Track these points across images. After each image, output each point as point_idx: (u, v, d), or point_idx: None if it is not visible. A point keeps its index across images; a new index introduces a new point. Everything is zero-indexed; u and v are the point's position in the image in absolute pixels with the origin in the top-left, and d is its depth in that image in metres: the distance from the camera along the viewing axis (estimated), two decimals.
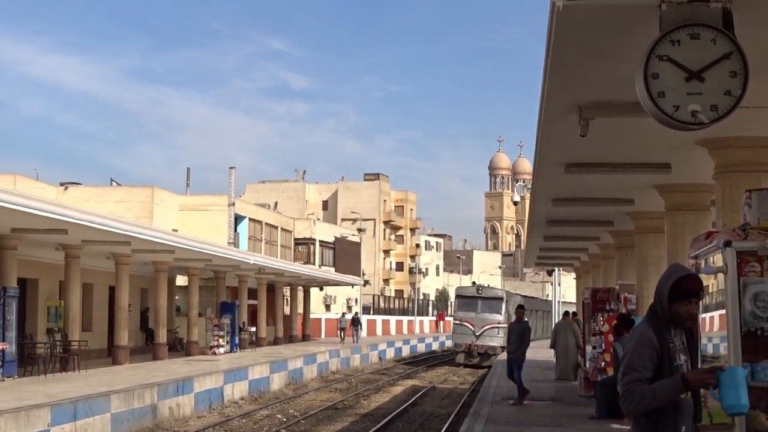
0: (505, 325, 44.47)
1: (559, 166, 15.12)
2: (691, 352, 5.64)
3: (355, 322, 60.01)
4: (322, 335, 67.31)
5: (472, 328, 50.47)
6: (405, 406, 30.93)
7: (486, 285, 67.98)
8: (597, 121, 11.27)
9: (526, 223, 30.47)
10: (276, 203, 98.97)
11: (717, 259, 7.60)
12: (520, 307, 24.71)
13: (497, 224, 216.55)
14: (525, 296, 75.75)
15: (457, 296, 54.24)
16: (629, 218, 21.45)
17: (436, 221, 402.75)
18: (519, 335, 22.80)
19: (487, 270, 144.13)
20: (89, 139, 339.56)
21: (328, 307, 78.73)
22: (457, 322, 52.06)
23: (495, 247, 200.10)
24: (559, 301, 65.03)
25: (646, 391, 5.30)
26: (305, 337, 61.33)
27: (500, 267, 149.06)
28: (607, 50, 8.83)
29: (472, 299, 51.75)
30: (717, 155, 13.32)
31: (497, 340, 50.12)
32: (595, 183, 17.34)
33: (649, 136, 10.51)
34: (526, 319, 24.21)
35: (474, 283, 70.29)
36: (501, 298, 52.79)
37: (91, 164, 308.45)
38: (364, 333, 71.04)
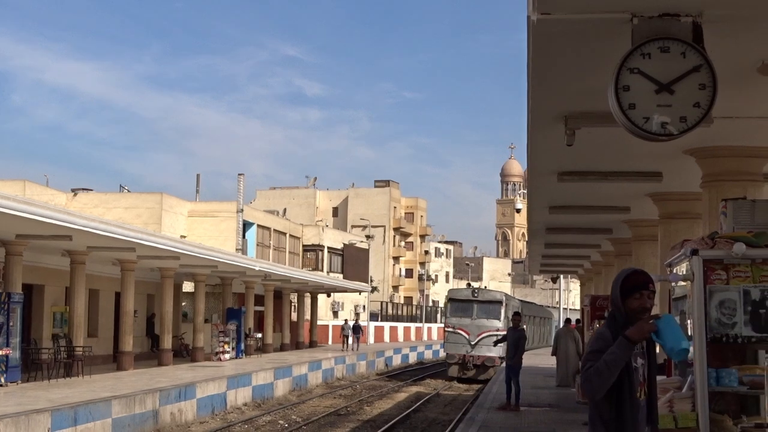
0: (505, 333, 42.25)
1: (552, 175, 15.27)
2: (650, 354, 5.82)
3: (356, 329, 58.49)
4: (330, 341, 67.43)
5: (467, 337, 44.89)
6: (407, 412, 31.06)
7: (483, 287, 63.12)
8: (585, 130, 11.39)
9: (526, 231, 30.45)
10: (285, 210, 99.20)
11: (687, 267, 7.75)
12: (516, 314, 25.08)
13: (508, 231, 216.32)
14: (524, 302, 69.89)
15: (450, 300, 47.82)
16: (627, 226, 21.60)
17: (447, 228, 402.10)
18: (514, 343, 23.26)
19: (497, 277, 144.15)
20: (103, 146, 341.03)
21: (335, 314, 78.85)
22: (450, 329, 46.16)
23: (506, 254, 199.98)
24: (564, 308, 64.49)
25: (598, 365, 5.47)
26: (312, 344, 61.47)
27: (510, 274, 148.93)
28: (584, 62, 8.96)
29: (467, 303, 45.88)
30: (704, 164, 13.45)
31: (495, 350, 43.37)
32: (591, 191, 17.46)
33: (638, 145, 10.62)
34: (523, 326, 24.35)
35: (469, 284, 64.18)
36: (500, 302, 46.49)
37: (104, 171, 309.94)
38: (371, 339, 71.24)
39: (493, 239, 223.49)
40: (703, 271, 7.41)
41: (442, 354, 68.49)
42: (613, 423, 5.61)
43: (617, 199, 18.53)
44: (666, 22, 7.42)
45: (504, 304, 46.09)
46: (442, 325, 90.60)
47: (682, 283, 7.94)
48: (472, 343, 44.90)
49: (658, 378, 6.24)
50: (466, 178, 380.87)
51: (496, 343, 33.07)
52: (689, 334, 7.60)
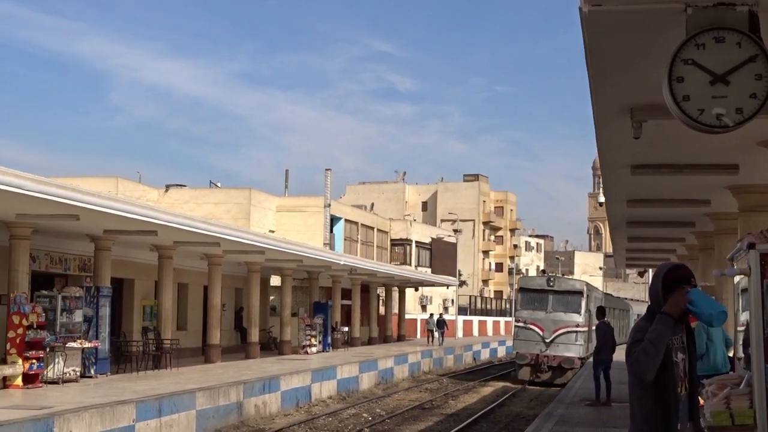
0: (585, 329, 38.80)
1: (625, 168, 15.07)
2: (690, 350, 5.78)
3: (440, 323, 56.99)
4: (418, 336, 67.53)
5: (541, 333, 39.03)
6: (492, 406, 30.98)
7: (560, 275, 55.90)
8: (653, 122, 11.23)
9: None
10: (372, 204, 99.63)
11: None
12: (600, 308, 24.59)
13: (600, 225, 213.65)
14: (605, 293, 63.34)
15: (521, 289, 41.93)
16: (708, 219, 21.21)
17: (539, 222, 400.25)
18: (603, 337, 22.86)
19: (588, 271, 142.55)
20: (198, 142, 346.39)
21: (424, 308, 78.93)
22: (520, 324, 40.24)
23: (598, 248, 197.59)
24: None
25: (643, 344, 5.51)
26: (400, 338, 61.62)
27: (601, 268, 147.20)
28: (639, 54, 8.85)
29: (541, 294, 39.82)
30: None
31: (575, 348, 39.01)
32: (667, 184, 17.17)
33: (709, 137, 10.47)
34: (606, 320, 23.96)
35: (544, 271, 55.68)
36: (579, 293, 40.11)
37: (198, 167, 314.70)
38: (460, 333, 71.12)
39: (585, 233, 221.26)
40: (760, 264, 7.28)
41: None
42: (653, 417, 5.58)
43: (696, 191, 18.19)
44: (721, 11, 7.27)
45: (585, 295, 40.07)
46: None
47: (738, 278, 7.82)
48: (547, 340, 38.98)
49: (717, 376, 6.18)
50: (558, 172, 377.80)
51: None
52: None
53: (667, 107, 7.48)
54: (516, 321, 41.47)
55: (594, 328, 27.47)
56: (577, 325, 39.12)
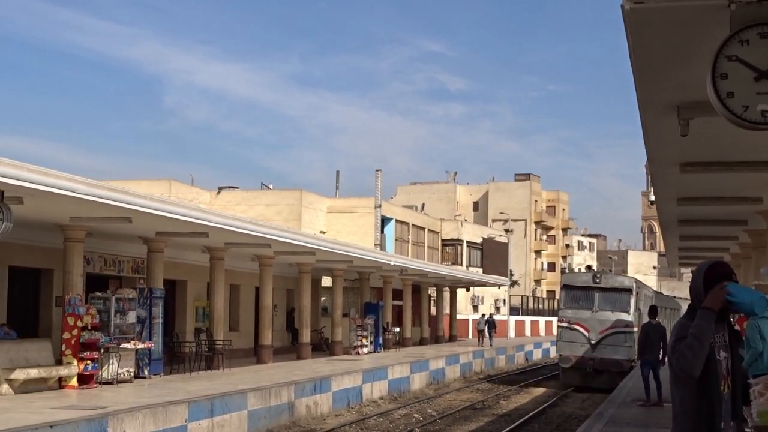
0: (635, 330, 34.01)
1: (674, 166, 14.95)
2: (732, 348, 5.75)
3: (489, 324, 55.58)
4: (470, 336, 67.38)
5: (586, 334, 36.30)
6: (543, 407, 30.87)
7: (607, 271, 51.43)
8: (701, 120, 11.15)
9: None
10: (423, 205, 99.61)
11: None
12: (653, 308, 24.04)
13: (654, 223, 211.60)
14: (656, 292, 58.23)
15: (564, 287, 38.66)
16: (761, 217, 20.93)
17: (592, 222, 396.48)
18: (647, 337, 22.42)
19: (642, 270, 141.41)
20: (250, 144, 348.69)
21: (475, 308, 78.81)
22: (564, 324, 37.27)
23: (652, 247, 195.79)
24: None
25: (687, 340, 5.47)
26: (452, 338, 61.55)
27: (655, 267, 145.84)
28: (683, 51, 8.78)
29: (587, 291, 36.95)
30: None
31: (623, 351, 36.01)
32: (719, 182, 16.98)
33: (760, 134, 10.41)
34: (657, 320, 23.69)
35: (589, 267, 51.36)
36: (628, 290, 37.10)
37: (250, 168, 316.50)
38: (512, 333, 70.85)
39: (639, 232, 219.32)
40: None
41: None
42: (696, 416, 5.56)
43: (748, 189, 17.95)
44: (765, 7, 7.21)
45: (634, 293, 37.02)
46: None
47: None
48: (593, 342, 36.22)
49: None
50: (611, 171, 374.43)
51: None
52: None
53: (710, 105, 7.46)
54: (559, 321, 38.14)
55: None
56: (626, 325, 35.94)
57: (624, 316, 36.18)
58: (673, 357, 5.56)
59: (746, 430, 6.08)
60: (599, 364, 36.04)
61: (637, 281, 39.37)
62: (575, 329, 36.51)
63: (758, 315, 6.08)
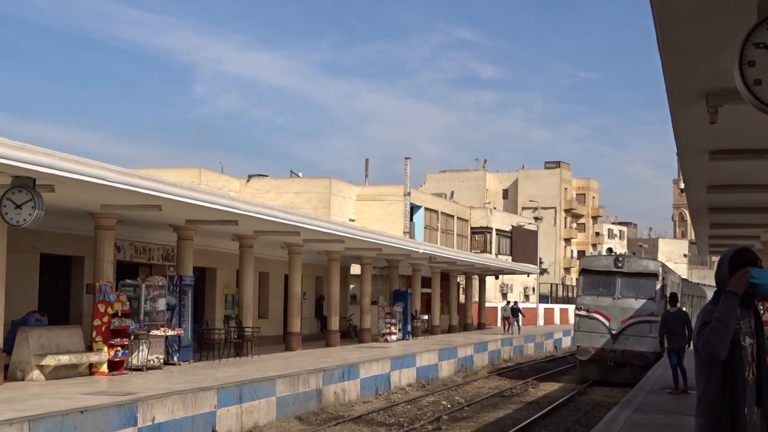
0: (658, 319, 28.59)
1: (703, 153, 14.89)
2: (758, 334, 5.75)
3: (514, 311, 55.48)
4: (498, 324, 67.34)
5: (607, 324, 33.22)
6: (572, 394, 30.81)
7: (631, 254, 46.20)
8: (730, 107, 11.10)
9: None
10: (452, 193, 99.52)
11: None
12: (673, 295, 23.90)
13: (685, 211, 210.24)
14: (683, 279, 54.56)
15: (583, 271, 35.05)
16: None
17: (622, 209, 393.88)
18: (669, 324, 22.40)
19: (672, 258, 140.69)
20: (281, 132, 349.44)
21: (504, 296, 78.72)
22: (582, 312, 34.09)
23: (683, 235, 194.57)
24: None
25: (712, 324, 5.49)
26: (480, 326, 61.51)
27: (686, 255, 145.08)
28: (711, 39, 8.76)
29: (608, 276, 33.73)
30: None
31: (648, 342, 32.64)
32: (749, 169, 16.85)
33: None
34: (678, 306, 23.36)
35: (610, 250, 43.97)
36: (654, 275, 33.58)
37: (281, 157, 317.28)
38: (540, 321, 70.73)
39: (670, 220, 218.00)
40: None
41: None
42: (719, 400, 5.57)
43: None
44: None
45: (660, 278, 33.52)
46: None
47: None
48: (614, 332, 33.14)
49: None
50: (643, 159, 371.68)
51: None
52: None
53: (738, 92, 7.41)
54: (577, 309, 34.54)
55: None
56: (651, 314, 32.35)
57: (649, 304, 32.99)
58: (699, 342, 5.58)
59: None
60: (621, 357, 33.06)
61: (663, 265, 35.85)
62: (595, 318, 33.36)
63: None
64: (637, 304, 33.08)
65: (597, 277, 33.90)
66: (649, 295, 33.09)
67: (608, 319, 33.13)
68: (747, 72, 7.23)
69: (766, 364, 5.82)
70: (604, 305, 33.32)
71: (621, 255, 34.70)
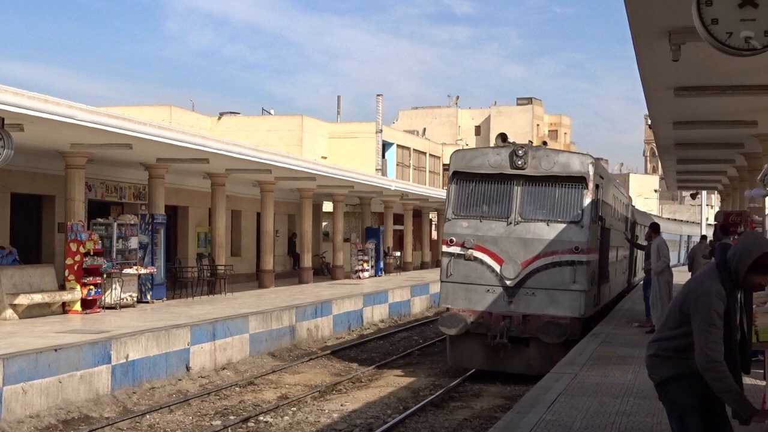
0: (592, 258, 20.01)
1: (668, 90, 15.06)
2: (747, 311, 5.93)
3: None
4: None
5: (497, 268, 19.55)
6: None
7: (540, 144, 23.69)
8: (693, 45, 11.23)
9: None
10: (424, 129, 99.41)
11: None
12: (654, 225, 20.26)
13: (655, 147, 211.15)
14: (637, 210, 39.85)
15: (455, 176, 20.61)
16: (757, 140, 21.05)
17: (596, 146, 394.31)
18: (649, 252, 19.91)
19: (643, 193, 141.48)
20: (253, 69, 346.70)
21: None
22: (453, 248, 20.12)
23: (654, 171, 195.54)
24: (709, 225, 62.30)
25: (729, 383, 5.52)
26: None
27: (656, 190, 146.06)
28: None
29: (499, 184, 20.07)
30: None
31: (568, 300, 19.36)
32: (713, 106, 17.08)
33: (751, 59, 10.49)
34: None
35: (504, 137, 21.73)
36: (580, 179, 19.68)
37: (253, 94, 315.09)
38: None
39: (641, 155, 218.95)
40: None
41: None
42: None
43: (742, 113, 18.05)
44: None
45: (590, 185, 19.69)
46: None
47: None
48: (510, 282, 19.48)
49: None
50: (617, 94, 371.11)
51: (636, 247, 21.90)
52: None
53: None
54: (444, 243, 20.51)
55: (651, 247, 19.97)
56: (576, 250, 19.34)
57: (571, 232, 19.50)
58: (708, 342, 5.55)
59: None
60: (522, 326, 19.45)
61: (597, 164, 20.94)
62: (475, 259, 19.83)
63: None
64: (550, 232, 19.54)
65: (480, 185, 20.30)
66: (571, 217, 19.60)
67: (499, 261, 19.67)
68: (704, 11, 7.39)
69: (749, 331, 6.00)
70: (491, 236, 19.77)
71: (522, 146, 20.33)
